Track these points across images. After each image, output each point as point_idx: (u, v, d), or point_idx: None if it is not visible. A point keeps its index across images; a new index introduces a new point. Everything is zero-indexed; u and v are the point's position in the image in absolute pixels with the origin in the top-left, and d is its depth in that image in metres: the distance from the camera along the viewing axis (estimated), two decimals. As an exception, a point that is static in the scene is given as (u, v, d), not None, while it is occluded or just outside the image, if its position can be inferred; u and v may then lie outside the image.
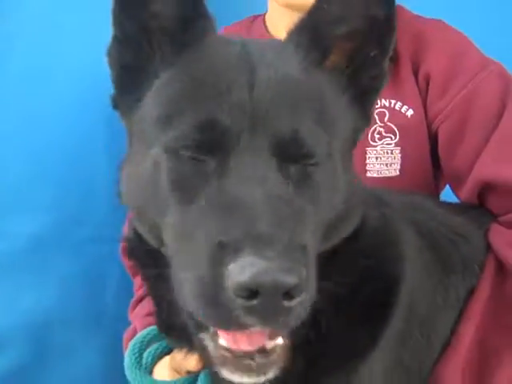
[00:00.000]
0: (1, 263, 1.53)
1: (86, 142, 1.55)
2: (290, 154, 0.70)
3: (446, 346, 0.93)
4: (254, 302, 0.57)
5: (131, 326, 1.20)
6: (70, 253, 1.58)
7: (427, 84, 1.20)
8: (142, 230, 0.78)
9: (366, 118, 0.84)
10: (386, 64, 0.83)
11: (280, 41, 0.84)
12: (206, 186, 0.66)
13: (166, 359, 0.94)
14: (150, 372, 0.94)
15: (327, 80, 0.78)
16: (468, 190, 1.11)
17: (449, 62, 1.18)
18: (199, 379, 0.86)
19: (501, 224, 1.07)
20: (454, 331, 0.93)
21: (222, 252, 0.59)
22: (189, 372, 0.88)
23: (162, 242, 0.72)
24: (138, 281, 1.33)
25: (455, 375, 0.94)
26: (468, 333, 0.93)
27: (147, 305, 1.22)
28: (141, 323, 1.14)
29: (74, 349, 1.63)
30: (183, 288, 0.64)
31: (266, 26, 1.39)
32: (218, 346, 0.67)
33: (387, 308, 0.84)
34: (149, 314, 1.19)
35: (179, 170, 0.68)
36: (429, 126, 1.22)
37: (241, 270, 0.56)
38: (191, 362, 0.85)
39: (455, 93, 1.17)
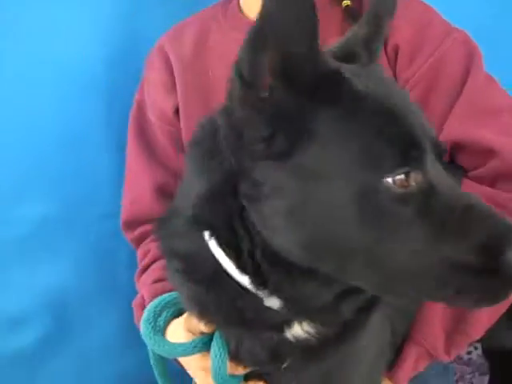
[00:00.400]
0: (16, 247, 1.59)
1: (89, 125, 1.60)
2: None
3: None
4: None
5: (139, 294, 1.30)
6: (80, 231, 1.65)
7: (396, 54, 1.24)
8: (311, 255, 0.75)
9: None
10: None
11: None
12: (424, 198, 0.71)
13: (176, 322, 1.02)
14: (163, 335, 1.02)
15: None
16: None
17: (415, 33, 1.22)
18: (214, 338, 0.93)
19: (471, 179, 1.17)
20: None
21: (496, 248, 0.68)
22: (202, 333, 0.95)
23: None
24: (141, 251, 1.42)
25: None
26: None
27: (152, 273, 1.32)
28: (148, 290, 1.23)
29: (91, 320, 1.72)
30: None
31: (239, 6, 1.41)
32: None
33: None
34: (155, 282, 1.28)
35: (398, 193, 0.70)
36: None
37: None
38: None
39: (422, 62, 1.21)
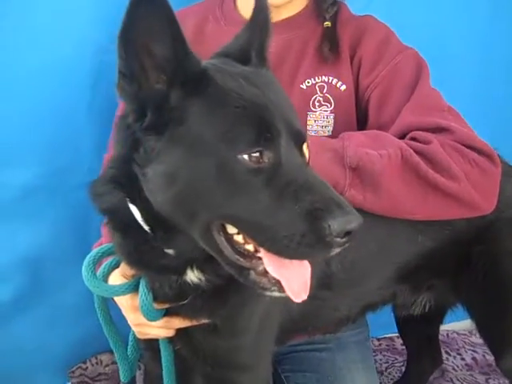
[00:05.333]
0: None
1: (72, 100, 1.72)
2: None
3: None
4: (345, 238, 0.88)
5: (99, 240, 1.45)
6: (60, 198, 1.79)
7: (359, 65, 1.50)
8: (179, 211, 0.95)
9: None
10: None
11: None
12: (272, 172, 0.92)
13: (116, 270, 1.20)
14: (106, 280, 1.20)
15: None
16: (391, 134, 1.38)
17: (377, 48, 1.49)
18: (140, 280, 1.13)
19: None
20: None
21: (318, 214, 0.87)
22: (134, 276, 1.15)
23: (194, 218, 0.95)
24: None
25: None
26: None
27: None
28: (105, 238, 1.38)
29: (65, 281, 1.87)
30: (277, 241, 0.89)
31: (237, 7, 1.60)
32: (269, 278, 0.95)
33: None
34: None
35: (251, 167, 0.91)
36: (361, 97, 1.50)
37: (345, 224, 0.87)
38: None
39: (380, 70, 1.47)
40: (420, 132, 1.33)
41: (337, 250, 0.90)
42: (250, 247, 0.95)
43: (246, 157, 0.90)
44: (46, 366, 1.98)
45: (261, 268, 0.95)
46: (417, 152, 1.28)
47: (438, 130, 1.34)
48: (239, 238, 0.96)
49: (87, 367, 2.05)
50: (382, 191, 1.26)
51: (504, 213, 1.41)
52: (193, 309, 1.13)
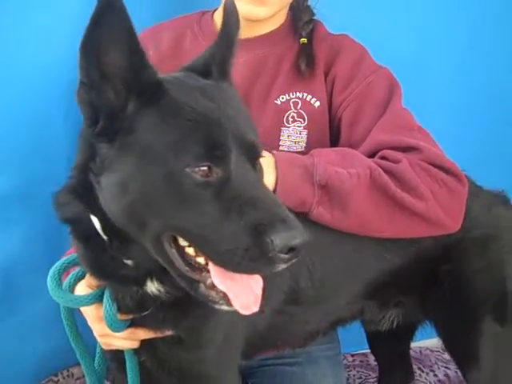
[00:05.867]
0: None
1: (48, 108, 1.72)
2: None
3: None
4: (289, 254, 0.88)
5: (69, 250, 1.43)
6: (34, 207, 1.78)
7: (333, 82, 1.53)
8: (131, 220, 0.97)
9: None
10: None
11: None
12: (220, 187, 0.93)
13: (82, 281, 1.20)
14: (72, 291, 1.20)
15: None
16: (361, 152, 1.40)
17: (351, 67, 1.52)
18: (105, 291, 1.13)
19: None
20: None
21: (262, 229, 0.88)
22: (98, 286, 1.15)
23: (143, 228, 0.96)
24: None
25: None
26: None
27: None
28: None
29: (37, 291, 1.74)
30: (222, 254, 0.90)
31: (214, 23, 1.62)
32: (217, 291, 0.95)
33: None
34: None
35: (199, 180, 0.92)
36: (334, 115, 1.53)
37: (288, 239, 0.87)
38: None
39: (354, 87, 1.49)
40: (389, 151, 1.35)
41: (282, 266, 0.91)
42: (201, 260, 0.96)
43: (194, 170, 0.91)
44: (17, 378, 1.95)
45: (209, 281, 0.95)
46: (385, 171, 1.30)
47: (408, 148, 1.36)
48: (190, 251, 0.96)
49: (58, 380, 2.02)
50: (350, 210, 1.28)
51: (470, 232, 1.43)
52: (156, 320, 1.14)
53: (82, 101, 0.97)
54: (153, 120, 0.95)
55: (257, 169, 1.01)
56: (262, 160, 1.24)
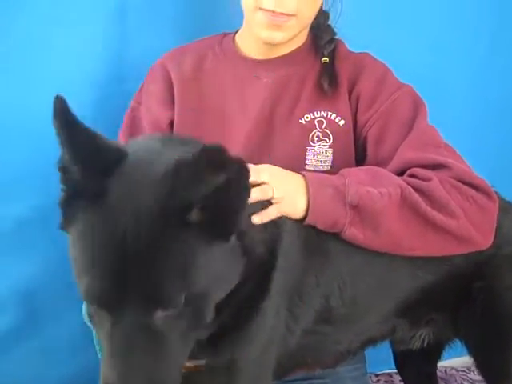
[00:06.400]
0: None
1: None
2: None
3: None
4: None
5: None
6: (55, 231, 1.75)
7: (357, 101, 1.53)
8: None
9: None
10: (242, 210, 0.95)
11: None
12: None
13: None
14: None
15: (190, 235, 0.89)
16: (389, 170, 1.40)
17: (374, 85, 1.52)
18: None
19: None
20: None
21: None
22: None
23: None
24: None
25: None
26: None
27: None
28: None
29: (59, 315, 1.86)
30: None
31: (236, 44, 1.63)
32: None
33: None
34: None
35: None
36: (359, 133, 1.53)
37: None
38: None
39: (379, 106, 1.49)
40: (418, 169, 1.35)
41: None
42: None
43: None
44: (40, 400, 1.93)
45: None
46: (416, 189, 1.29)
47: (437, 166, 1.36)
48: None
49: (82, 403, 2.00)
50: (382, 229, 1.27)
51: (502, 249, 1.42)
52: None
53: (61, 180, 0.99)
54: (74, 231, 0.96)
55: None
56: (292, 181, 1.24)
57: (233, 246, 0.97)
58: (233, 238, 0.96)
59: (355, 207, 1.25)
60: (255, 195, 1.10)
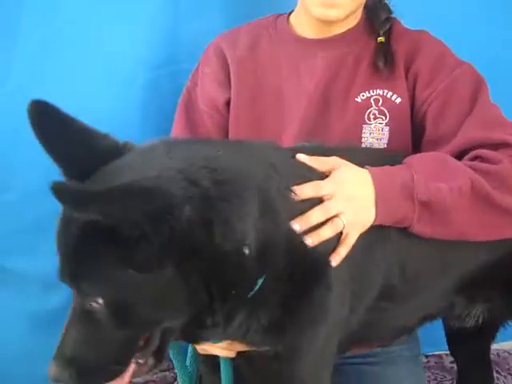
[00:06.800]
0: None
1: (125, 123, 1.70)
2: None
3: None
4: None
5: None
6: None
7: (415, 79, 1.51)
8: None
9: None
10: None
11: None
12: None
13: None
14: None
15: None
16: (449, 150, 1.38)
17: (434, 62, 1.50)
18: None
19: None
20: None
21: None
22: None
23: None
24: None
25: None
26: None
27: None
28: None
29: None
30: None
31: (290, 25, 1.64)
32: None
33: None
34: None
35: None
36: (417, 110, 1.52)
37: None
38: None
39: (438, 83, 1.47)
40: (486, 151, 1.32)
41: None
42: None
43: None
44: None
45: None
46: (485, 174, 1.27)
47: (501, 145, 1.33)
48: None
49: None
50: (452, 224, 1.26)
51: None
52: (253, 341, 1.16)
53: None
54: None
55: None
56: (355, 172, 1.24)
57: (173, 276, 0.95)
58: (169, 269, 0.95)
59: (424, 204, 1.23)
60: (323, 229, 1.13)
